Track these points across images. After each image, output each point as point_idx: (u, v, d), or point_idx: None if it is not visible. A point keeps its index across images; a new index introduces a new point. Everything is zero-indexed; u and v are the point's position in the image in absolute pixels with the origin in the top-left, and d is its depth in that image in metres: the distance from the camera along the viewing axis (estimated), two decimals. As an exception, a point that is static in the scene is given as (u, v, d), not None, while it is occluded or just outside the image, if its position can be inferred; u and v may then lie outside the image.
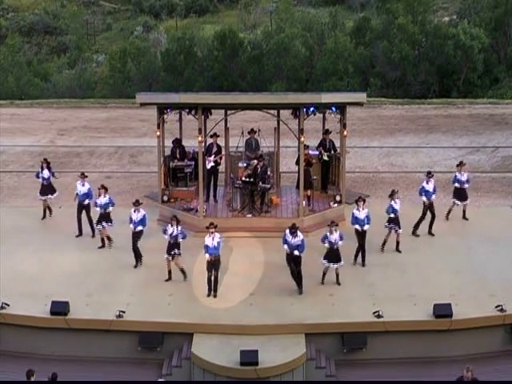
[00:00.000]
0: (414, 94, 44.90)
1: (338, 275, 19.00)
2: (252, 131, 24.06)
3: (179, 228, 19.09)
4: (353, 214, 20.03)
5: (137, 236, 19.99)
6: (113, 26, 68.39)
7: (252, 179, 22.14)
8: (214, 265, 18.38)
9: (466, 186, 22.80)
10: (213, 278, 18.46)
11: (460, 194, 22.81)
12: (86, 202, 21.99)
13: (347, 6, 65.38)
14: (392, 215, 20.59)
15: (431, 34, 46.47)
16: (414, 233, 21.83)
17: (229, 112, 23.75)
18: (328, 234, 18.78)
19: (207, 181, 23.34)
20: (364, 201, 20.04)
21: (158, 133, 22.92)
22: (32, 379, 14.82)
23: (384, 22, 49.02)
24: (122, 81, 49.45)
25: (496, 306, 17.53)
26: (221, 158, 23.72)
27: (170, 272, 19.24)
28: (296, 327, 17.25)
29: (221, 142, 23.87)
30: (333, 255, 18.79)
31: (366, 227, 19.85)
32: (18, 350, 17.50)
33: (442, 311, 17.23)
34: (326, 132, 24.44)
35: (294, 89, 44.56)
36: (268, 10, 64.53)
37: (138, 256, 20.07)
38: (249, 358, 15.99)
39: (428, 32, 46.67)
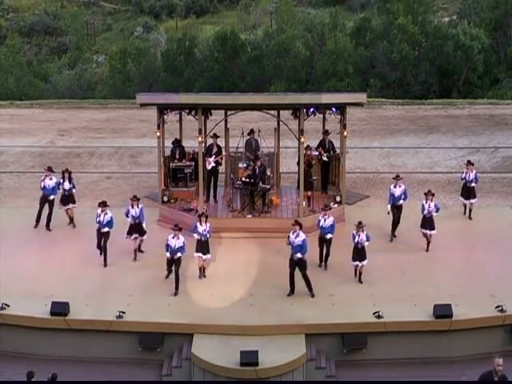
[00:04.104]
0: (414, 94, 44.93)
1: (360, 274, 19.22)
2: (252, 132, 24.07)
3: (208, 225, 19.16)
4: (318, 221, 19.78)
5: (104, 236, 20.08)
6: (113, 27, 68.44)
7: (252, 180, 22.14)
8: (173, 262, 18.80)
9: (473, 184, 22.97)
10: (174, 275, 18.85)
11: (466, 192, 23.04)
12: (52, 197, 22.21)
13: (347, 6, 65.46)
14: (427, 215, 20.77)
15: (431, 35, 46.51)
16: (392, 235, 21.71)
17: (229, 112, 23.75)
18: (354, 233, 19.05)
19: (207, 181, 23.35)
20: (330, 209, 19.87)
21: (158, 133, 22.92)
22: (32, 380, 14.80)
23: (384, 22, 49.09)
24: (122, 81, 49.50)
25: (496, 307, 17.51)
26: (221, 159, 23.74)
27: (200, 269, 19.35)
28: (296, 327, 17.24)
29: (221, 142, 23.89)
30: (357, 254, 19.07)
31: (328, 236, 19.59)
32: (17, 350, 17.49)
33: (442, 312, 17.22)
34: (326, 132, 24.46)
35: (293, 89, 44.58)
36: (268, 10, 64.56)
37: (105, 256, 20.13)
38: (249, 358, 15.98)
39: (428, 32, 46.72)
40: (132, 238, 20.32)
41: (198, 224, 19.10)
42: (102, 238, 20.08)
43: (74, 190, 22.63)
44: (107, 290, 18.78)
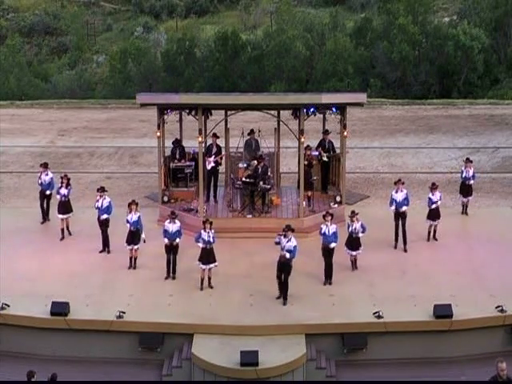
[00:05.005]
0: (415, 94, 44.94)
1: (352, 262, 19.52)
2: (252, 132, 24.07)
3: (212, 232, 18.66)
4: (320, 229, 19.06)
5: (104, 224, 20.45)
6: (113, 27, 68.45)
7: (252, 180, 22.13)
8: (171, 249, 19.15)
9: (472, 181, 23.18)
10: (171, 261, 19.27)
11: (464, 190, 23.28)
12: (48, 192, 22.61)
13: (348, 6, 65.46)
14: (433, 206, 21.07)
15: (431, 35, 46.55)
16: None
17: (229, 112, 23.76)
18: (349, 222, 19.24)
19: (207, 181, 23.35)
20: (332, 216, 19.07)
21: (158, 133, 22.92)
22: (32, 380, 14.80)
23: (384, 22, 49.12)
24: (122, 81, 49.53)
25: (496, 307, 17.51)
26: (221, 159, 23.74)
27: (202, 281, 18.86)
28: (296, 328, 17.23)
29: (221, 142, 23.89)
30: (351, 243, 19.28)
31: (332, 245, 18.80)
32: (18, 350, 17.48)
33: (443, 312, 17.21)
34: (325, 132, 24.45)
35: (293, 89, 44.60)
36: (268, 10, 64.54)
37: (106, 243, 20.63)
38: (249, 358, 15.97)
39: (428, 32, 46.75)
40: (129, 247, 19.84)
41: (203, 231, 18.57)
42: (102, 226, 20.45)
43: (67, 193, 21.83)
44: (107, 290, 18.78)
